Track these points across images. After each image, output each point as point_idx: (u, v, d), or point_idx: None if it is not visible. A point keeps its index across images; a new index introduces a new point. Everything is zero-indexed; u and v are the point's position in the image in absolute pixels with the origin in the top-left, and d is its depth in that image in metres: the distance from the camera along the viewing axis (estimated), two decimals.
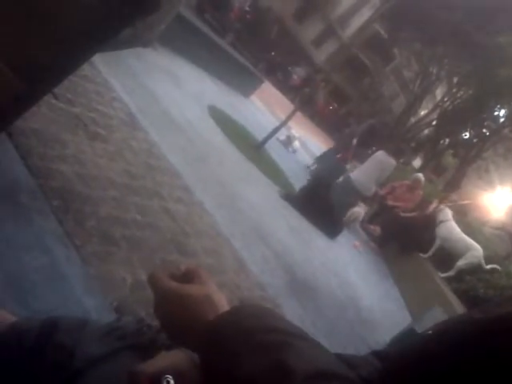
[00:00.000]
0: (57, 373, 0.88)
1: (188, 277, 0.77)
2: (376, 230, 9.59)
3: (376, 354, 0.78)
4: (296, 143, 12.39)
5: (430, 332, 0.68)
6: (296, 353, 0.61)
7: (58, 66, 2.03)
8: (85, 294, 2.36)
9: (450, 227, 8.74)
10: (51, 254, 2.39)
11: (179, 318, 0.72)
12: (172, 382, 0.70)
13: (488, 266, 8.23)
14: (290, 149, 12.17)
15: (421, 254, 8.84)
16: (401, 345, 0.77)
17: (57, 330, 0.95)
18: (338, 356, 0.71)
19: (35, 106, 2.66)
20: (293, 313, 4.14)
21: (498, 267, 8.23)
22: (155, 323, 0.84)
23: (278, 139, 11.04)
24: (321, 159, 11.73)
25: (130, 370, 0.71)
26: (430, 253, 8.80)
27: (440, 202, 9.83)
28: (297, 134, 12.55)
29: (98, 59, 5.01)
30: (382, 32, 26.88)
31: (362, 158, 10.96)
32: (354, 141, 11.81)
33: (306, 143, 14.92)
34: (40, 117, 3.33)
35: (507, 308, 0.60)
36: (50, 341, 0.93)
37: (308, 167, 11.60)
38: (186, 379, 0.72)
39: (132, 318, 1.00)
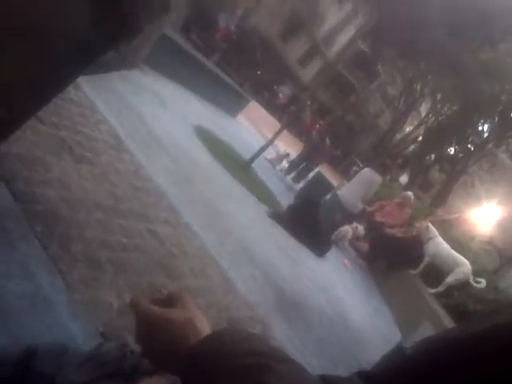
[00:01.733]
0: None
1: (170, 301, 0.77)
2: (364, 246, 9.59)
3: (360, 374, 0.77)
4: (284, 162, 12.37)
5: (409, 351, 0.68)
6: (276, 376, 0.60)
7: (40, 89, 2.02)
8: (70, 319, 2.33)
9: (438, 243, 8.78)
10: (35, 280, 2.36)
11: (161, 343, 0.72)
12: None
13: (475, 283, 8.24)
14: (279, 167, 12.12)
15: (410, 271, 8.86)
16: (384, 364, 0.77)
17: (36, 357, 0.93)
18: (322, 377, 0.71)
19: (19, 130, 2.65)
20: (282, 332, 4.11)
21: (482, 281, 8.23)
22: (138, 349, 0.83)
23: (265, 158, 11.06)
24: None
25: None
26: (419, 269, 8.81)
27: (426, 218, 9.88)
28: (285, 152, 12.58)
29: (83, 82, 5.02)
30: (366, 50, 27.22)
31: (348, 176, 11.04)
32: (327, 140, 12.54)
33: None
34: (25, 141, 3.32)
35: (485, 325, 0.60)
36: (29, 369, 0.91)
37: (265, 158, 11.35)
38: None
39: (115, 344, 0.99)
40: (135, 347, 0.87)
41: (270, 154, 11.32)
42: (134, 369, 0.89)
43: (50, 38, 1.97)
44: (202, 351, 0.67)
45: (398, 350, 3.90)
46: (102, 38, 2.09)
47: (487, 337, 0.57)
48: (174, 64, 9.13)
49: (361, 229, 8.91)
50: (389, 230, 9.34)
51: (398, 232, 9.35)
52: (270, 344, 0.70)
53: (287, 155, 12.45)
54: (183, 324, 0.72)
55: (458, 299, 7.96)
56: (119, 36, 2.19)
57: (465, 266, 8.38)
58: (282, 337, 4.00)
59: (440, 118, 24.10)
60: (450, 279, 8.31)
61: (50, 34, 1.96)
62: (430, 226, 8.96)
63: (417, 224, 9.22)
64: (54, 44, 1.98)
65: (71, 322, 2.31)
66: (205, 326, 0.74)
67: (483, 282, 8.20)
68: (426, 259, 8.75)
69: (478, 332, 0.59)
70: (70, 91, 4.55)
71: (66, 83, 2.32)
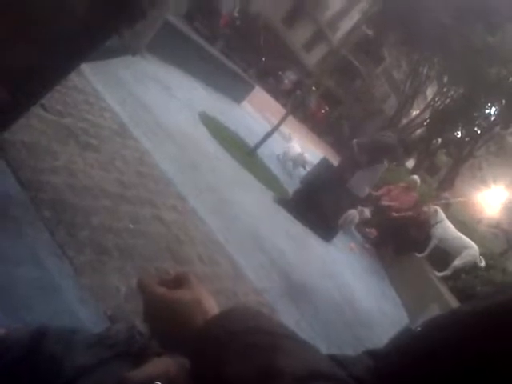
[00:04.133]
0: (46, 383, 0.88)
1: (177, 282, 0.77)
2: (372, 232, 9.59)
3: (369, 353, 0.77)
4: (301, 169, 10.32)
5: (418, 329, 0.68)
6: (285, 354, 0.60)
7: (43, 75, 2.02)
8: (79, 304, 2.35)
9: (445, 227, 8.76)
10: (44, 265, 2.38)
11: (168, 324, 0.72)
12: None
13: (483, 264, 8.26)
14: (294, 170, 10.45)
15: (416, 254, 8.85)
16: (393, 344, 0.77)
17: (46, 339, 0.94)
18: (331, 356, 0.71)
19: (24, 118, 2.66)
20: (290, 317, 4.13)
21: (482, 260, 8.25)
22: (146, 330, 0.84)
23: (278, 158, 10.43)
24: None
25: (119, 378, 0.71)
26: (426, 252, 8.81)
27: (433, 202, 9.86)
28: (302, 154, 10.43)
29: (87, 69, 5.01)
30: (371, 34, 26.99)
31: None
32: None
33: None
34: (30, 129, 3.33)
35: (493, 300, 0.60)
36: (39, 351, 0.92)
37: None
38: None
39: (123, 326, 0.99)
40: (143, 329, 0.88)
41: (280, 148, 10.70)
42: (142, 350, 0.90)
43: (51, 23, 1.96)
44: (210, 331, 0.67)
45: (406, 332, 3.92)
46: (103, 23, 2.09)
47: (496, 311, 0.57)
48: (178, 51, 9.09)
49: (367, 211, 8.87)
50: (395, 214, 9.32)
51: (404, 214, 9.32)
52: (279, 322, 0.70)
53: (304, 160, 10.26)
54: (190, 304, 0.72)
55: (465, 282, 7.95)
56: (121, 21, 2.19)
57: (472, 248, 8.36)
58: (290, 321, 4.02)
59: (446, 102, 23.90)
60: (457, 262, 8.31)
61: (51, 18, 1.96)
62: (439, 209, 8.94)
63: (425, 208, 9.19)
64: (56, 29, 1.97)
65: (79, 306, 2.33)
66: (212, 306, 0.74)
67: (483, 262, 8.23)
68: (434, 242, 8.74)
69: (486, 307, 0.59)
70: (74, 79, 4.54)
71: (68, 69, 2.32)
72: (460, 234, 8.69)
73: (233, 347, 0.63)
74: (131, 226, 3.26)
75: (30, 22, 1.91)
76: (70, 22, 1.96)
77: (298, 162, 10.24)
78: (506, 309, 0.56)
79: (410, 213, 9.39)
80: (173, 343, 0.73)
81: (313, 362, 0.62)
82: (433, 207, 9.01)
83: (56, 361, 0.89)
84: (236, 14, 24.38)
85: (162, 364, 0.76)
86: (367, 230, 9.65)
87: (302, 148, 10.99)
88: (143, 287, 0.75)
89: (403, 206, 9.43)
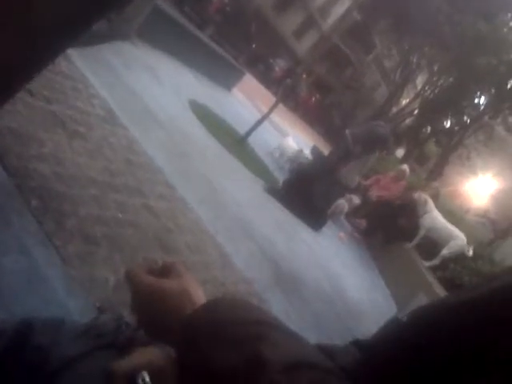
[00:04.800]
0: (33, 374, 0.87)
1: (165, 271, 0.76)
2: (362, 223, 9.62)
3: (356, 343, 0.77)
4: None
5: (404, 319, 0.67)
6: (272, 344, 0.60)
7: (27, 60, 1.97)
8: (67, 295, 2.33)
9: (433, 217, 8.81)
10: (31, 255, 2.35)
11: (156, 313, 0.72)
12: (147, 378, 0.70)
13: (470, 253, 8.33)
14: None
15: (406, 244, 8.90)
16: (379, 333, 0.78)
17: (32, 331, 0.92)
18: (318, 346, 0.71)
19: (10, 103, 2.61)
20: (279, 306, 4.13)
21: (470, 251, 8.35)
22: (133, 320, 0.83)
23: (274, 155, 10.10)
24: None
25: (105, 368, 0.71)
26: (415, 242, 8.86)
27: (422, 191, 9.91)
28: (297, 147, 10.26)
29: (76, 55, 4.94)
30: (362, 21, 26.96)
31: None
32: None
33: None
34: (16, 115, 3.27)
35: (478, 291, 0.59)
36: (25, 342, 0.91)
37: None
38: (162, 375, 0.72)
39: (110, 316, 0.98)
40: (131, 319, 0.86)
41: (272, 138, 10.57)
42: (129, 340, 0.89)
43: (37, 5, 1.91)
44: (196, 321, 0.67)
45: (392, 322, 3.94)
46: (91, 7, 2.04)
47: (481, 302, 0.56)
48: (168, 37, 8.98)
49: (355, 199, 8.87)
50: (381, 198, 9.38)
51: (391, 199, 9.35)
52: (266, 312, 0.70)
53: (303, 157, 9.93)
54: (178, 294, 0.72)
55: (453, 272, 8.01)
56: (108, 5, 2.14)
57: (460, 238, 8.43)
58: (279, 311, 4.02)
59: (436, 91, 24.01)
60: (445, 252, 8.36)
61: (34, 4, 1.91)
62: (429, 199, 8.98)
63: (416, 195, 9.21)
64: (41, 12, 1.92)
65: (67, 297, 2.31)
66: (200, 296, 0.73)
67: (471, 251, 8.31)
68: (422, 232, 8.79)
69: (472, 298, 0.58)
70: (62, 64, 4.47)
71: (55, 53, 2.27)
72: (448, 224, 8.75)
73: (219, 337, 0.62)
74: (120, 215, 3.23)
75: (13, 4, 1.86)
76: (56, 4, 1.91)
77: (297, 159, 9.77)
78: (490, 300, 0.56)
79: (398, 201, 9.42)
80: (160, 333, 0.72)
81: (299, 352, 0.62)
82: (423, 195, 9.04)
83: (42, 352, 0.88)
84: (227, 0, 24.22)
85: (147, 353, 0.76)
86: (357, 221, 9.68)
87: (296, 141, 10.82)
88: (131, 276, 0.74)
89: (393, 195, 9.47)
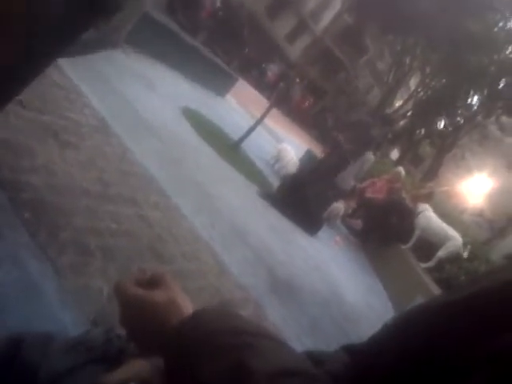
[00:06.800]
0: None
1: (154, 282, 0.77)
2: (358, 223, 9.64)
3: (346, 348, 0.78)
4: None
5: (390, 322, 0.69)
6: (258, 353, 0.60)
7: (16, 70, 1.97)
8: (60, 307, 2.31)
9: (428, 217, 8.83)
10: (24, 267, 2.33)
11: (144, 325, 0.73)
12: None
13: (465, 254, 8.35)
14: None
15: (402, 246, 8.91)
16: (370, 338, 0.80)
17: (21, 346, 0.92)
18: (307, 353, 0.72)
19: (1, 115, 2.60)
20: (276, 312, 4.12)
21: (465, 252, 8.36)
22: (124, 333, 0.83)
23: (273, 166, 10.00)
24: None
25: (94, 382, 0.72)
26: (410, 243, 8.87)
27: (417, 191, 9.97)
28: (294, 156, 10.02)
29: (67, 64, 4.94)
30: (353, 24, 27.06)
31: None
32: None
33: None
34: (8, 127, 3.26)
35: (466, 292, 0.60)
36: (14, 358, 0.90)
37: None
38: None
39: (101, 330, 0.98)
40: (121, 332, 0.87)
41: (266, 143, 10.54)
42: (119, 353, 0.90)
43: (23, 17, 1.91)
44: (183, 331, 0.67)
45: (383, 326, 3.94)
46: (79, 16, 2.04)
47: (469, 302, 0.57)
48: (159, 44, 8.99)
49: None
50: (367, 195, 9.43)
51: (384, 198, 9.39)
52: (252, 322, 0.70)
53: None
54: (166, 305, 0.72)
55: (449, 273, 8.03)
56: (96, 14, 2.14)
57: (455, 239, 8.45)
58: (276, 317, 4.02)
59: (429, 92, 24.10)
60: (441, 253, 8.38)
61: (25, 15, 1.91)
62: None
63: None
64: (29, 23, 1.92)
65: (61, 309, 2.30)
66: (188, 307, 0.74)
67: (466, 252, 8.33)
68: (417, 233, 8.81)
69: (459, 298, 0.59)
70: (53, 74, 4.46)
71: (44, 64, 2.27)
72: (444, 225, 8.77)
73: (205, 347, 0.63)
74: (113, 225, 3.22)
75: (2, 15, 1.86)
76: (43, 15, 1.91)
77: (291, 165, 9.64)
78: (476, 300, 0.57)
79: (388, 200, 9.42)
80: (149, 344, 0.73)
81: (285, 360, 0.62)
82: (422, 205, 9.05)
83: (33, 367, 0.88)
84: (219, 5, 24.24)
85: (135, 366, 0.77)
86: (353, 221, 9.70)
87: (291, 145, 10.67)
88: (119, 289, 0.76)
89: (385, 197, 9.51)
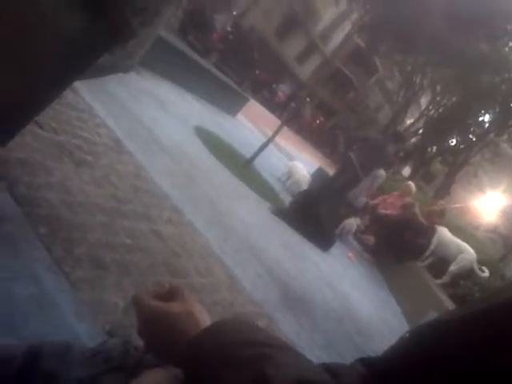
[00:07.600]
0: None
1: (171, 295, 0.79)
2: (370, 239, 9.60)
3: (362, 361, 0.78)
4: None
5: (407, 335, 0.69)
6: (275, 364, 0.62)
7: (35, 94, 2.03)
8: (76, 320, 2.34)
9: (440, 232, 8.77)
10: (40, 282, 2.37)
11: (162, 336, 0.74)
12: None
13: (480, 271, 8.24)
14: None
15: (418, 263, 8.85)
16: (387, 351, 0.78)
17: (41, 356, 0.94)
18: (323, 365, 0.72)
19: (18, 135, 2.67)
20: (289, 327, 4.12)
21: (486, 270, 8.22)
22: (141, 344, 0.85)
23: (284, 183, 9.97)
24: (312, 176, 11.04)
25: None
26: (426, 263, 8.81)
27: (430, 207, 9.92)
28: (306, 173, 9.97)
29: (81, 86, 5.03)
30: (363, 45, 27.20)
31: None
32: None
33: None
34: (25, 146, 3.33)
35: (481, 306, 0.61)
36: (34, 367, 0.92)
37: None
38: None
39: (118, 340, 0.99)
40: (139, 343, 0.88)
41: (278, 160, 10.60)
42: (137, 364, 0.90)
43: (42, 44, 1.98)
44: (201, 342, 0.69)
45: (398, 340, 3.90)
46: (94, 43, 2.11)
47: (484, 316, 0.58)
48: (172, 66, 9.14)
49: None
50: (385, 212, 9.38)
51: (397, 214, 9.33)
52: (270, 333, 0.72)
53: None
54: (183, 317, 0.74)
55: (464, 288, 7.94)
56: (112, 41, 2.20)
57: (468, 252, 8.36)
58: (289, 331, 4.01)
59: (440, 110, 24.08)
60: (453, 267, 8.30)
61: (42, 39, 1.98)
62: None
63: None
64: (47, 49, 1.99)
65: (77, 322, 2.33)
66: (205, 319, 0.76)
67: (487, 272, 8.19)
68: (430, 248, 8.75)
69: (475, 312, 0.60)
70: (68, 96, 4.56)
71: (61, 88, 2.34)
72: (456, 239, 8.71)
73: (224, 359, 0.64)
74: (128, 240, 3.26)
75: (22, 43, 1.93)
76: (61, 42, 1.98)
77: (304, 182, 9.58)
78: (491, 314, 0.58)
79: (401, 216, 9.38)
80: (167, 355, 0.74)
81: (302, 370, 0.63)
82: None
83: (51, 377, 0.89)
84: (229, 29, 24.57)
85: (154, 376, 0.78)
86: (365, 237, 9.66)
87: (302, 163, 10.62)
88: (137, 301, 0.77)
89: (397, 213, 9.47)
